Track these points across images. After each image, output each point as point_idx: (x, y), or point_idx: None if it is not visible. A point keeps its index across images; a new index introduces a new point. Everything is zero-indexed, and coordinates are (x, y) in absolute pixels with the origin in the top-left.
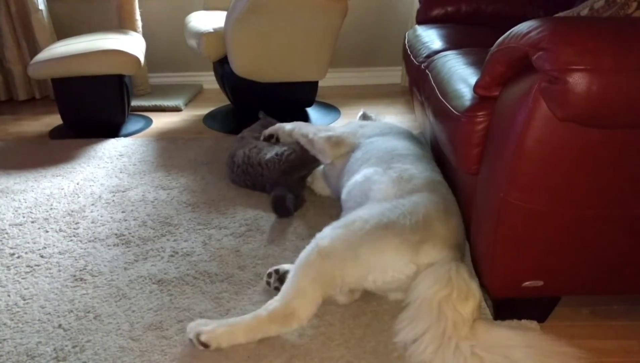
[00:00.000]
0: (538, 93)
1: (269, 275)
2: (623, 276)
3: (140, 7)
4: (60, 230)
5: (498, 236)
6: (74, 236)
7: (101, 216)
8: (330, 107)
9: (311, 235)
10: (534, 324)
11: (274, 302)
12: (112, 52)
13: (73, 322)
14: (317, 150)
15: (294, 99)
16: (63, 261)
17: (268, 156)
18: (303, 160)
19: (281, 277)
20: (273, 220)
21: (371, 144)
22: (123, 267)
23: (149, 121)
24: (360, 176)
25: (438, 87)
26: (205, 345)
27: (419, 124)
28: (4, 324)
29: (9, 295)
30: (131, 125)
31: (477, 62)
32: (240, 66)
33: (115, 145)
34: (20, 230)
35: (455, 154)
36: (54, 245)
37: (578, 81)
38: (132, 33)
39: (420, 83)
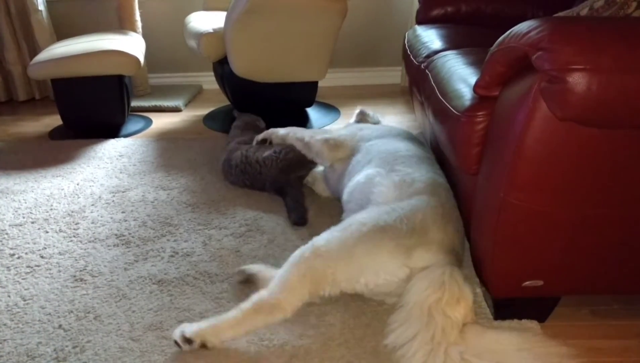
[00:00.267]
0: (538, 93)
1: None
2: (623, 276)
3: (140, 8)
4: (60, 231)
5: (498, 236)
6: (74, 236)
7: (101, 217)
8: (330, 108)
9: (312, 235)
10: (534, 324)
11: (260, 294)
12: (112, 53)
13: (73, 323)
14: (314, 153)
15: (294, 100)
16: (63, 262)
17: (266, 153)
18: (301, 160)
19: (248, 277)
20: (273, 221)
21: (372, 147)
22: (123, 267)
23: (148, 122)
24: (362, 176)
25: (438, 87)
26: (190, 341)
27: (419, 124)
28: (4, 325)
29: (9, 296)
30: (131, 125)
31: (476, 62)
32: (240, 67)
33: (115, 145)
34: (20, 230)
35: (455, 154)
36: (54, 246)
37: (578, 80)
38: (132, 33)
39: (420, 83)
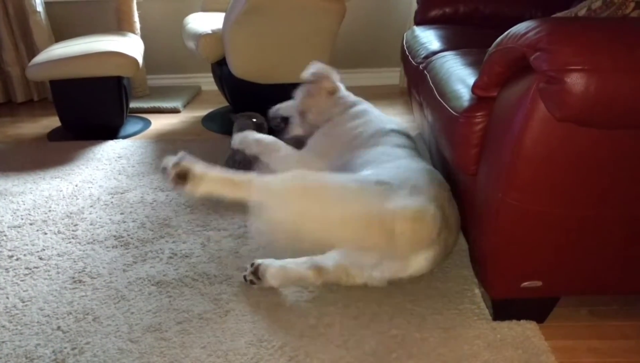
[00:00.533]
0: (536, 93)
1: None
2: (622, 276)
3: (138, 9)
4: (59, 232)
5: (497, 237)
6: (73, 238)
7: (100, 218)
8: None
9: None
10: (533, 324)
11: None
12: (111, 54)
13: (72, 324)
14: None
15: None
16: (62, 263)
17: None
18: None
19: (255, 270)
20: None
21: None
22: (122, 269)
23: (147, 123)
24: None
25: (436, 88)
26: (184, 176)
27: (418, 125)
28: (3, 326)
29: (7, 298)
30: (130, 127)
31: (475, 62)
32: (239, 67)
33: (114, 147)
34: (18, 232)
35: (453, 154)
36: (52, 247)
37: (576, 81)
38: (131, 35)
39: (418, 84)
